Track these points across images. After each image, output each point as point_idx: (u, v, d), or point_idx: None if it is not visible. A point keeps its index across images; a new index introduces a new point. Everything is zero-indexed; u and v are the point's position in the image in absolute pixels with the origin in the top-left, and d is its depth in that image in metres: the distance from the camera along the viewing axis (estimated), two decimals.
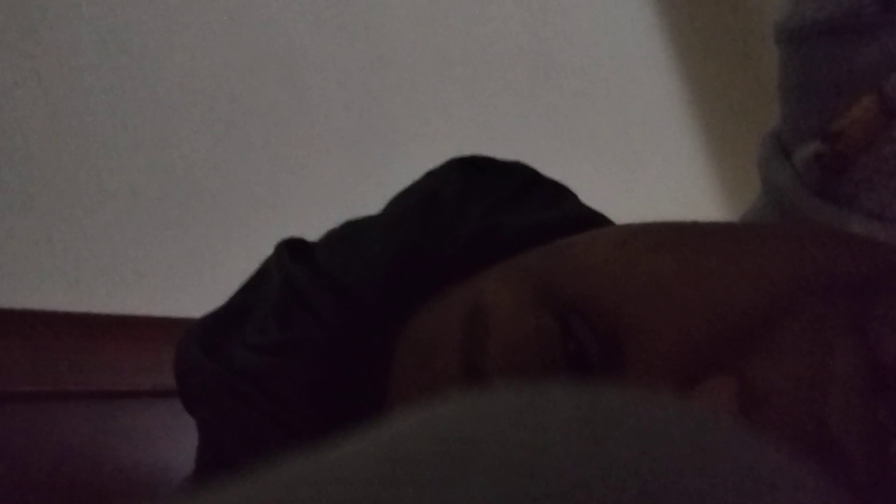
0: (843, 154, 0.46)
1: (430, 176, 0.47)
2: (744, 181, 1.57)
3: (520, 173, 0.47)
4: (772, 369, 0.33)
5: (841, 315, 0.33)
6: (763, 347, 0.33)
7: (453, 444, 0.19)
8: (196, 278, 0.99)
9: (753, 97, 1.69)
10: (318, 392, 0.40)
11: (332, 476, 0.19)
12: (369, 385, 0.41)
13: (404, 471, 0.18)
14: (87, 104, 0.95)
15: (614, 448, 0.19)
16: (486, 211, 0.44)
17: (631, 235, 0.39)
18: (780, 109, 0.51)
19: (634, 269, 0.37)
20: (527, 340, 0.37)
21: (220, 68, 1.07)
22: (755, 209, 0.52)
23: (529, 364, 0.36)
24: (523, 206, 0.45)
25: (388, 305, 0.42)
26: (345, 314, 0.41)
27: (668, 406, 0.21)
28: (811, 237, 0.38)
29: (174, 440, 0.87)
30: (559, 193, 0.48)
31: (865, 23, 0.45)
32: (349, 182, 1.17)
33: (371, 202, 0.49)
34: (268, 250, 0.46)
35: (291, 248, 0.45)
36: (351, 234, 0.45)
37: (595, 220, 0.47)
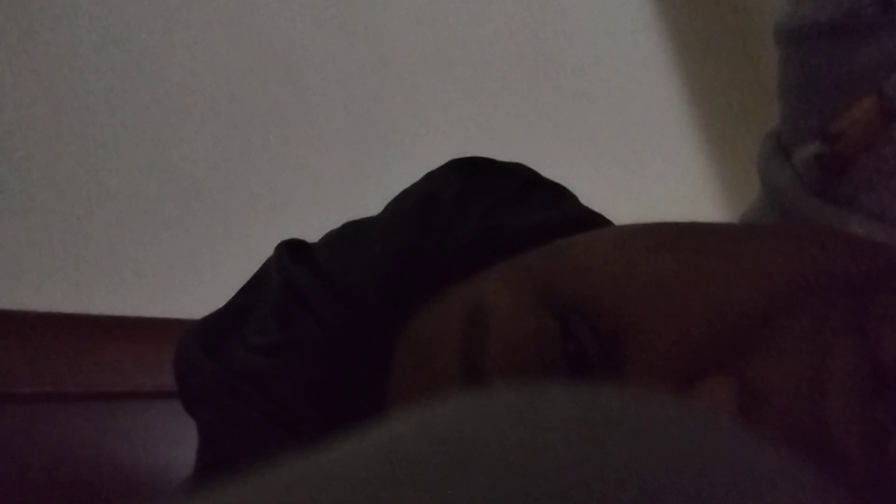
0: (843, 155, 0.46)
1: (430, 177, 0.48)
2: (744, 181, 1.57)
3: (519, 174, 0.47)
4: (771, 369, 0.33)
5: (841, 315, 0.33)
6: (763, 347, 0.33)
7: (453, 444, 0.19)
8: (196, 278, 0.99)
9: (753, 97, 1.69)
10: (319, 392, 0.40)
11: (332, 477, 0.19)
12: (369, 385, 0.41)
13: (404, 471, 0.18)
14: (87, 104, 0.95)
15: (614, 448, 0.19)
16: (485, 211, 0.44)
17: (631, 236, 0.39)
18: (780, 110, 0.51)
19: (634, 269, 0.37)
20: (527, 340, 0.37)
21: (220, 68, 1.07)
22: (755, 209, 0.52)
23: (529, 364, 0.36)
24: (523, 207, 0.45)
25: (388, 306, 0.42)
26: (345, 314, 0.41)
27: (667, 406, 0.21)
28: (811, 237, 0.38)
29: (174, 441, 0.87)
30: (559, 194, 0.48)
31: (865, 23, 0.45)
32: (349, 182, 1.17)
33: (371, 202, 0.49)
34: (268, 250, 0.46)
35: (291, 249, 0.45)
36: (351, 234, 0.45)
37: (595, 220, 0.47)
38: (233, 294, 0.46)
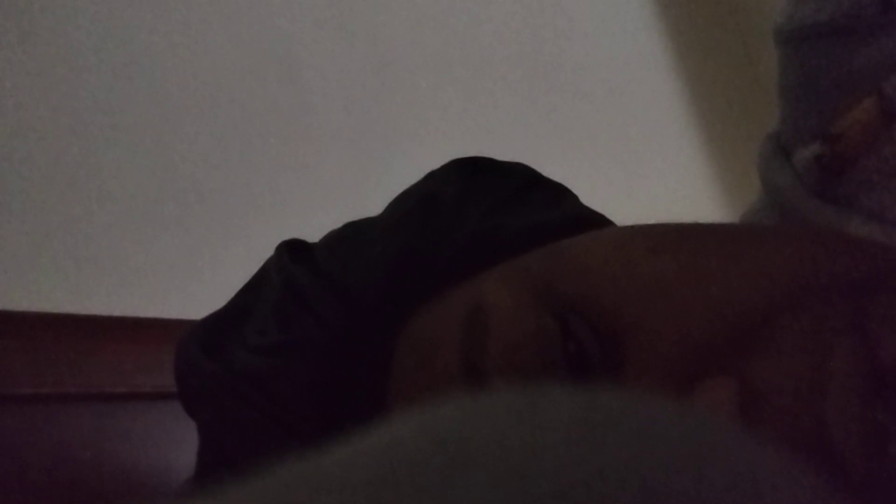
0: (844, 155, 0.46)
1: (430, 177, 0.48)
2: (744, 181, 1.57)
3: (520, 174, 0.47)
4: (771, 369, 0.33)
5: (841, 315, 0.33)
6: (763, 347, 0.33)
7: (452, 444, 0.19)
8: (196, 278, 0.99)
9: (753, 97, 1.69)
10: (318, 392, 0.40)
11: (332, 477, 0.19)
12: (369, 385, 0.41)
13: (404, 472, 0.18)
14: (87, 104, 0.95)
15: (613, 449, 0.19)
16: (486, 212, 0.44)
17: (631, 236, 0.39)
18: (780, 110, 0.51)
19: (634, 269, 0.37)
20: (527, 341, 0.37)
21: (220, 68, 1.07)
22: (755, 209, 0.52)
23: (529, 364, 0.36)
24: (523, 207, 0.45)
25: (387, 306, 0.42)
26: (345, 315, 0.41)
27: (667, 407, 0.21)
28: (811, 238, 0.38)
29: (174, 441, 0.87)
30: (559, 194, 0.48)
31: (865, 24, 0.45)
32: (349, 182, 1.17)
33: (371, 202, 0.49)
34: (268, 250, 0.46)
35: (292, 250, 0.45)
36: (351, 235, 0.45)
37: (595, 220, 0.47)
38: (233, 294, 0.46)
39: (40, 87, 0.92)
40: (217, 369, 0.42)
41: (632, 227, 0.41)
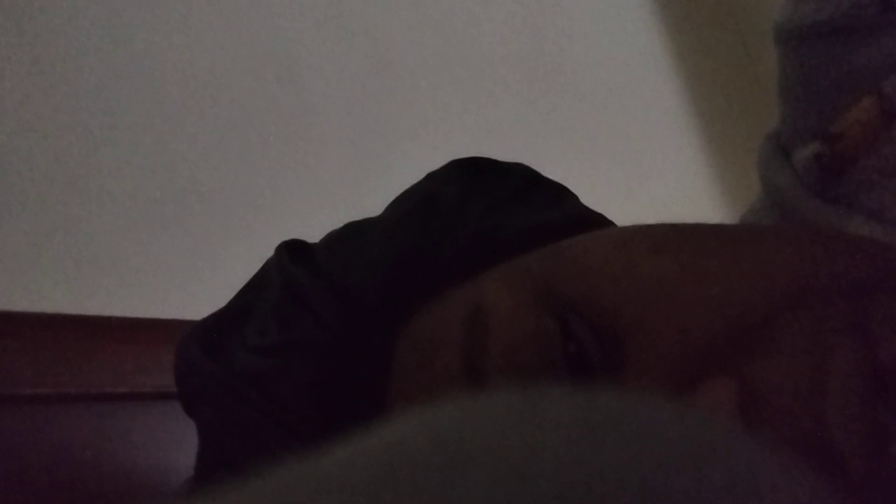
0: (844, 155, 0.46)
1: (431, 177, 0.48)
2: (744, 181, 1.57)
3: (520, 174, 0.47)
4: (772, 369, 0.33)
5: (841, 315, 0.33)
6: (763, 347, 0.33)
7: (452, 445, 0.19)
8: (196, 278, 0.99)
9: (753, 97, 1.69)
10: (319, 393, 0.40)
11: (332, 478, 0.19)
12: (369, 385, 0.41)
13: (404, 472, 0.18)
14: (87, 104, 0.95)
15: (613, 449, 0.19)
16: (486, 212, 0.44)
17: (631, 237, 0.39)
18: (780, 110, 0.51)
19: (635, 269, 0.37)
20: (527, 341, 0.37)
21: (220, 68, 1.07)
22: (755, 210, 0.52)
23: (529, 364, 0.36)
24: (523, 207, 0.45)
25: (388, 306, 0.42)
26: (345, 315, 0.41)
27: (666, 407, 0.21)
28: (811, 238, 0.38)
29: (174, 442, 0.87)
30: (559, 194, 0.48)
31: (865, 23, 0.45)
32: (349, 182, 1.17)
33: (371, 202, 0.49)
34: (268, 250, 0.46)
35: (292, 250, 0.45)
36: (351, 235, 0.45)
37: (595, 220, 0.47)
38: (233, 294, 0.46)
39: (41, 87, 0.92)
40: (217, 369, 0.42)
41: (632, 228, 0.41)
